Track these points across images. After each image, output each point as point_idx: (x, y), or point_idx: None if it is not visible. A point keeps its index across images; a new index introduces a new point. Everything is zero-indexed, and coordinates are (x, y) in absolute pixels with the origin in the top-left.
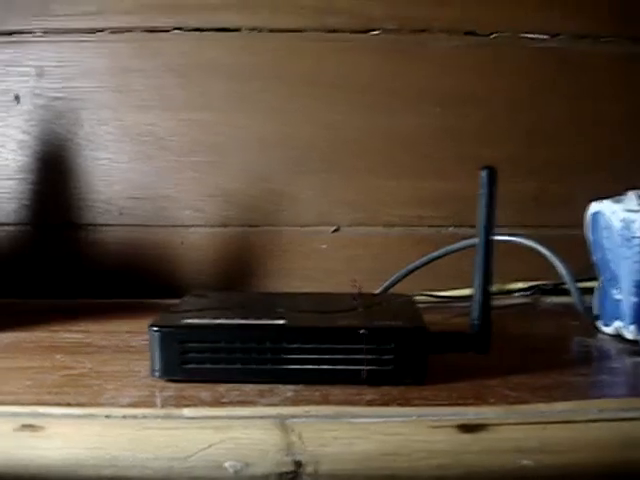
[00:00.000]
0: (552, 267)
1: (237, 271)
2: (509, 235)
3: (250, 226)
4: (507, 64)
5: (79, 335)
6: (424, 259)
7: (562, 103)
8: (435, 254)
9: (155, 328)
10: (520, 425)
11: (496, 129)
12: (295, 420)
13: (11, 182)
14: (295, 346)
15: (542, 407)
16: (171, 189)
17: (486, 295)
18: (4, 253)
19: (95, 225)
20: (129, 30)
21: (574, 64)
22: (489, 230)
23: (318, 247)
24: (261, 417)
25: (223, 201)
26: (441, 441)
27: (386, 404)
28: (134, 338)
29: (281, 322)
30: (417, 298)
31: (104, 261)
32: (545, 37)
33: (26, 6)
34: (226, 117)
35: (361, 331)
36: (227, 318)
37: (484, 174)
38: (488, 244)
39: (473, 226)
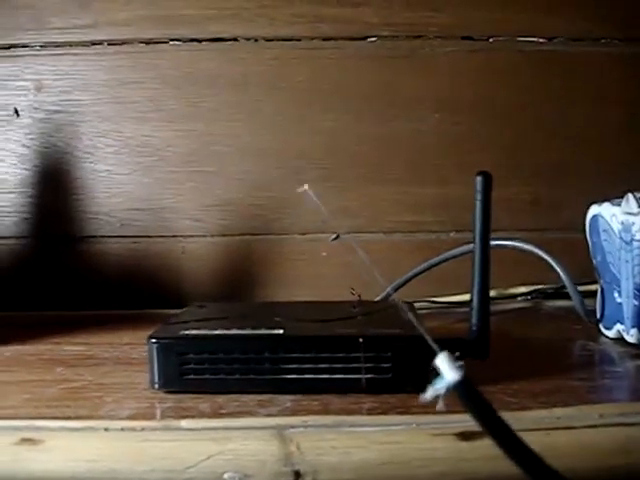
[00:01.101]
0: (552, 271)
1: (238, 280)
2: (508, 240)
3: (250, 235)
4: (504, 68)
5: (80, 347)
6: (424, 265)
7: (559, 106)
8: (434, 260)
9: (154, 340)
10: (521, 432)
11: (494, 134)
12: (293, 430)
13: (11, 195)
14: (293, 355)
15: (543, 413)
16: (171, 200)
17: (484, 300)
18: (5, 266)
19: (96, 237)
20: (126, 42)
21: (571, 67)
22: (485, 235)
23: (318, 255)
24: (260, 428)
25: (222, 210)
26: (440, 449)
27: (385, 412)
28: (135, 350)
29: (279, 332)
30: (417, 304)
31: (105, 273)
32: (542, 40)
33: (23, 20)
34: (224, 127)
35: (359, 339)
36: (225, 329)
37: (479, 179)
38: (485, 249)
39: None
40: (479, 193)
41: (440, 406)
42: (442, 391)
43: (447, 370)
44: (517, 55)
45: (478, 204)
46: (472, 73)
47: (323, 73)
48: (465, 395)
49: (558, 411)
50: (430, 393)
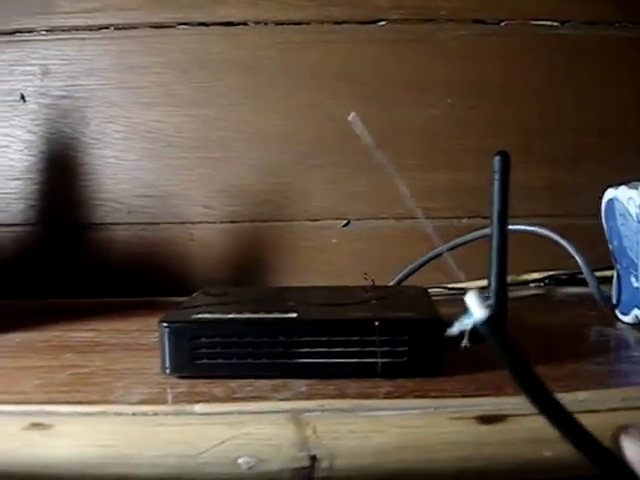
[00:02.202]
0: (565, 257)
1: (247, 267)
2: (522, 224)
3: (260, 221)
4: (517, 52)
5: (89, 334)
6: (436, 251)
7: (574, 91)
8: (447, 245)
9: (165, 324)
10: (540, 415)
11: (507, 118)
12: (309, 414)
13: (18, 182)
14: (307, 339)
15: (565, 397)
16: (179, 186)
17: (502, 283)
18: (12, 254)
19: (103, 224)
20: (134, 27)
21: (584, 51)
22: (503, 216)
23: (328, 241)
24: (275, 412)
25: (232, 197)
26: (460, 433)
27: (402, 396)
28: (144, 336)
29: (293, 315)
30: (430, 290)
31: (113, 260)
32: (555, 24)
33: (29, 4)
34: (233, 112)
35: (375, 323)
36: (238, 313)
37: (497, 159)
38: (503, 231)
39: (486, 217)
40: (497, 173)
41: (465, 342)
42: (468, 327)
43: (475, 307)
44: (530, 39)
45: (496, 184)
46: (484, 57)
47: (333, 57)
48: (491, 332)
49: (581, 394)
50: (457, 328)
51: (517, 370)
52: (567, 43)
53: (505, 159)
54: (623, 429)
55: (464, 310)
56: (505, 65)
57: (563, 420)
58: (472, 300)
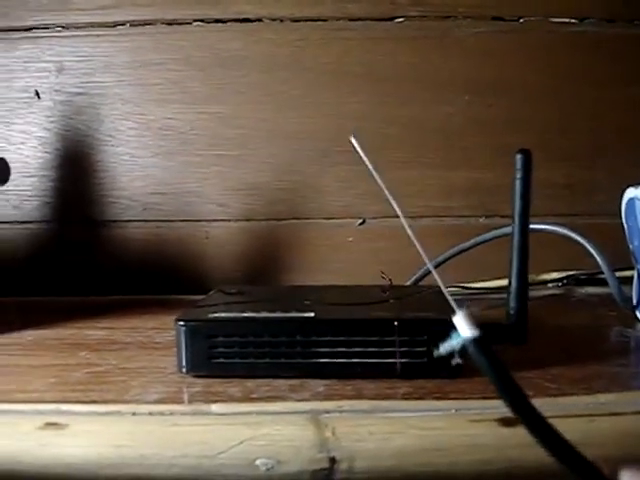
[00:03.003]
0: (584, 257)
1: (262, 265)
2: (542, 223)
3: (275, 220)
4: (536, 49)
5: (103, 332)
6: (454, 250)
7: (592, 88)
8: (466, 244)
9: (182, 322)
10: (563, 418)
11: (526, 116)
12: (328, 415)
13: (32, 179)
14: (325, 339)
15: (585, 399)
16: (194, 184)
17: (523, 284)
18: (26, 251)
19: (118, 222)
20: (149, 23)
21: (604, 48)
22: (525, 215)
23: (344, 240)
24: (293, 412)
25: (247, 195)
26: (482, 435)
27: (422, 398)
28: (159, 334)
29: (310, 315)
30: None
31: (127, 258)
32: (574, 21)
33: (45, 1)
34: (249, 110)
35: (394, 323)
36: (255, 312)
37: (519, 157)
38: (524, 230)
39: (504, 216)
40: (519, 171)
41: (456, 361)
42: (457, 347)
43: (464, 327)
44: (548, 36)
45: (518, 183)
46: (502, 54)
47: (350, 54)
48: (480, 352)
49: (602, 397)
50: (445, 348)
51: (507, 394)
52: (586, 40)
53: (527, 157)
54: (625, 464)
55: (452, 330)
56: (523, 62)
57: (555, 442)
58: (460, 321)
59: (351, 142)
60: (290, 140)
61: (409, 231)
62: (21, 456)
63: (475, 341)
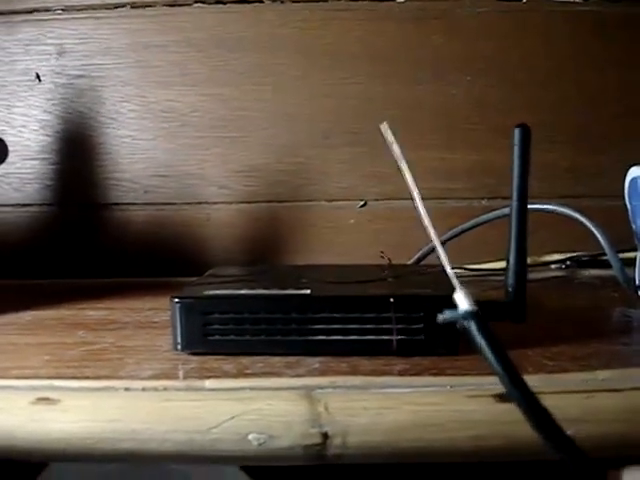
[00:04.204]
0: (586, 239)
1: (264, 247)
2: (544, 204)
3: (276, 202)
4: (538, 30)
5: (102, 312)
6: (456, 230)
7: (596, 69)
8: (466, 225)
9: (177, 299)
10: (561, 394)
11: (528, 98)
12: (321, 391)
13: (34, 162)
14: (321, 316)
15: (584, 376)
16: (196, 166)
17: (522, 261)
18: (27, 234)
19: (119, 204)
20: (149, 5)
21: (607, 29)
22: (523, 191)
23: (346, 222)
24: (286, 388)
25: (248, 177)
26: (477, 411)
27: (418, 374)
28: (157, 314)
29: (307, 292)
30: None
31: (129, 240)
32: (578, 1)
33: None
34: (249, 91)
35: (390, 299)
36: (251, 289)
37: (517, 132)
38: (523, 206)
39: (506, 198)
40: (517, 146)
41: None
42: (454, 319)
43: (463, 302)
44: (551, 16)
45: (516, 158)
46: (505, 35)
47: (351, 35)
48: (476, 326)
49: (600, 374)
50: (443, 316)
51: (498, 370)
52: (589, 21)
53: (525, 132)
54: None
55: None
56: (526, 43)
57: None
58: (460, 297)
59: (381, 130)
60: (291, 122)
61: (422, 209)
62: (13, 431)
63: (473, 314)
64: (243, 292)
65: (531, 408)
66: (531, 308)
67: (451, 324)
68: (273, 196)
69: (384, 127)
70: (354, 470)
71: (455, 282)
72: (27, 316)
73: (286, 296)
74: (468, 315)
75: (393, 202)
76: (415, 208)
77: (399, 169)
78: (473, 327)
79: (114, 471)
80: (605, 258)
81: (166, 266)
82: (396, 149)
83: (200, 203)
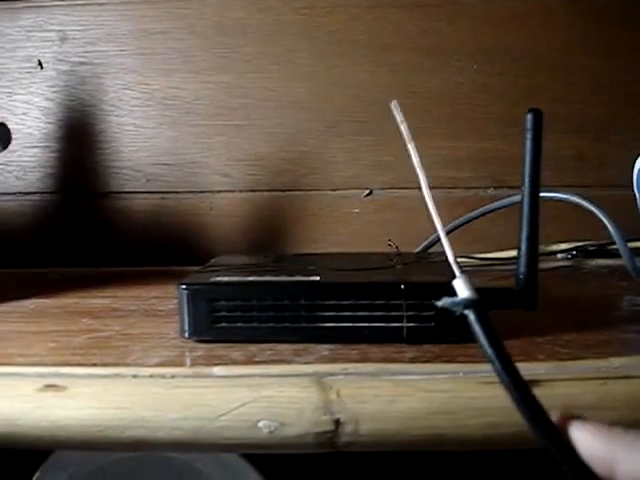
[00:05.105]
0: (592, 229)
1: (267, 237)
2: (553, 192)
3: (280, 190)
4: (546, 16)
5: (106, 300)
6: (463, 218)
7: (603, 57)
8: (474, 213)
9: (184, 286)
10: (575, 381)
11: (535, 86)
12: (333, 378)
13: (35, 150)
14: (331, 303)
15: (598, 363)
16: (198, 154)
17: (533, 248)
18: (29, 222)
19: (121, 193)
20: None
21: (615, 15)
22: (536, 178)
23: (350, 211)
24: (297, 375)
25: (252, 165)
26: (490, 398)
27: (429, 361)
28: (162, 303)
29: (315, 279)
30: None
31: (131, 229)
32: None
33: None
34: (253, 79)
35: (401, 286)
36: (258, 276)
37: (530, 117)
38: (535, 193)
39: (513, 187)
40: (529, 131)
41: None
42: (453, 306)
43: (463, 290)
44: (557, 2)
45: (528, 143)
46: (512, 22)
47: (358, 23)
48: (475, 315)
49: (615, 361)
50: (442, 302)
51: (494, 361)
52: (597, 7)
53: (538, 117)
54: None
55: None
56: (533, 30)
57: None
58: (460, 284)
59: (392, 109)
60: (295, 110)
61: (426, 190)
62: (20, 418)
63: (472, 303)
64: (251, 279)
65: (524, 400)
66: (540, 297)
67: (465, 320)
68: (277, 185)
69: (394, 105)
70: (356, 462)
71: (455, 268)
72: (30, 304)
73: (295, 283)
74: (467, 303)
75: (398, 191)
76: (420, 192)
77: (406, 150)
78: (471, 315)
79: (115, 462)
80: (611, 248)
81: (168, 255)
82: (405, 129)
83: (203, 192)
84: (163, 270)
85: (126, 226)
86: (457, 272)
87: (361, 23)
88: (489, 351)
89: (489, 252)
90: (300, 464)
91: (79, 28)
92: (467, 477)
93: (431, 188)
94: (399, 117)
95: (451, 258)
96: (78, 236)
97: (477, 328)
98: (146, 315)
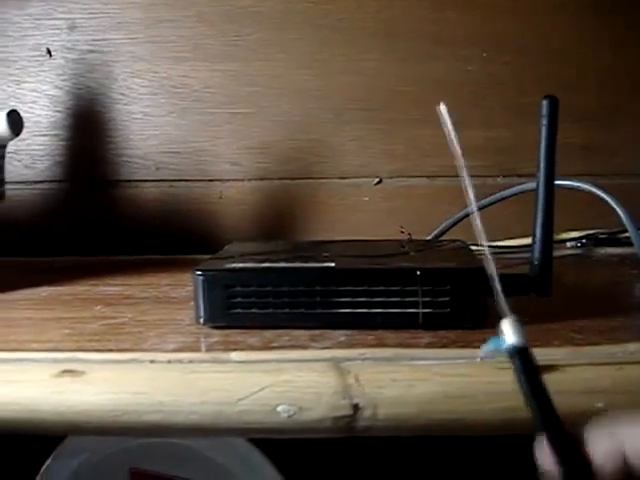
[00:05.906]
0: (602, 217)
1: (276, 225)
2: (565, 179)
3: (289, 179)
4: (555, 5)
5: (118, 288)
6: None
7: (612, 47)
8: (487, 200)
9: (200, 272)
10: (591, 366)
11: (544, 75)
12: (351, 362)
13: (44, 139)
14: (346, 289)
15: (613, 348)
16: (208, 142)
17: (548, 235)
18: (39, 211)
19: (131, 181)
20: None
21: (624, 6)
22: (551, 164)
23: (360, 199)
24: (315, 360)
25: (261, 153)
26: (507, 383)
27: (446, 346)
28: (174, 290)
29: (331, 265)
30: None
31: (141, 218)
32: None
33: None
34: (262, 67)
35: (417, 272)
36: (274, 262)
37: (545, 103)
38: (550, 180)
39: (522, 175)
40: (545, 118)
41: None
42: (500, 351)
43: (510, 334)
44: None
45: (544, 129)
46: (521, 11)
47: (366, 10)
48: (521, 361)
49: (631, 346)
50: (487, 348)
51: (538, 410)
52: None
53: (553, 103)
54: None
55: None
56: (542, 20)
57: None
58: (507, 326)
59: (439, 110)
60: (304, 98)
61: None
62: (38, 403)
63: (519, 350)
64: (266, 265)
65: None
66: (553, 283)
67: (481, 299)
68: (286, 173)
69: (442, 108)
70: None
71: (505, 308)
72: (42, 292)
73: (310, 269)
74: (514, 350)
75: (408, 180)
76: (431, 181)
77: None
78: (517, 363)
79: (125, 450)
80: (622, 236)
81: (178, 243)
82: (452, 133)
83: (212, 180)
84: (173, 258)
85: (135, 214)
86: (507, 312)
87: (369, 11)
88: (532, 403)
89: (498, 240)
90: (308, 455)
91: (88, 16)
92: (478, 466)
93: (439, 176)
94: (449, 122)
95: (501, 297)
96: (87, 225)
97: (522, 378)
98: (159, 302)
